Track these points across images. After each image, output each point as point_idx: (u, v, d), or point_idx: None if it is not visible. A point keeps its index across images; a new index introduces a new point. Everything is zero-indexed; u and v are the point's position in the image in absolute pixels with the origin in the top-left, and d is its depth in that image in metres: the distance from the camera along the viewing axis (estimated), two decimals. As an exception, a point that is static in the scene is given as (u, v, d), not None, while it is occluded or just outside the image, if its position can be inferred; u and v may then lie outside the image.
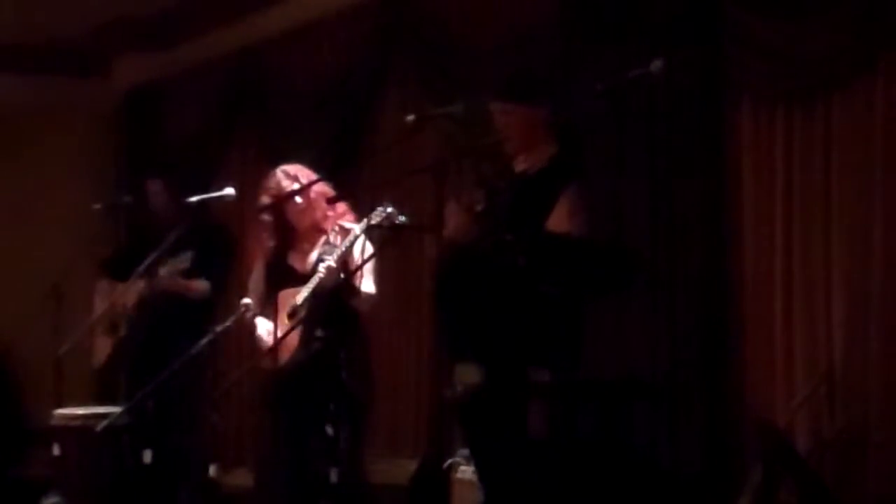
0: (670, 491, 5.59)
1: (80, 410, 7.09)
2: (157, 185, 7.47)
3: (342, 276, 5.95)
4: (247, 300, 6.21)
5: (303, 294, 6.00)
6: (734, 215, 6.02)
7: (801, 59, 5.62)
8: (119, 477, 6.87)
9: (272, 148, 8.54)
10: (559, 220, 5.04)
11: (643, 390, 5.72)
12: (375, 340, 7.26)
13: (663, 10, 6.16)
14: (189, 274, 7.08)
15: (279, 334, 5.94)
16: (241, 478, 7.87)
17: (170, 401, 6.89)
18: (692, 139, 6.09)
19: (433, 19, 7.55)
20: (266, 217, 6.30)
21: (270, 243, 6.31)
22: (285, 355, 6.01)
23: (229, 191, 6.99)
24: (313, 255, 6.16)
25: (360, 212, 6.27)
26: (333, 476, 5.93)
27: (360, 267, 5.95)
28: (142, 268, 6.88)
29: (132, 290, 7.17)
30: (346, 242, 5.93)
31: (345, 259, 5.98)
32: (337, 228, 6.09)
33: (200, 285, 7.08)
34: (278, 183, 6.24)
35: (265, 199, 6.30)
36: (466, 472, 5.86)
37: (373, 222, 5.82)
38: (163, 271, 6.97)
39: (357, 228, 5.91)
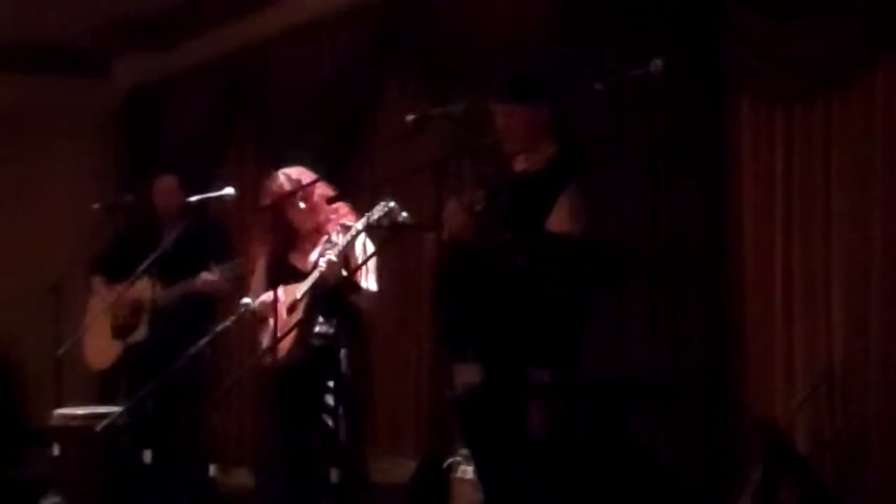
0: (670, 491, 5.58)
1: (80, 410, 7.08)
2: (169, 181, 7.44)
3: (343, 271, 5.95)
4: (246, 300, 6.21)
5: (302, 288, 6.01)
6: (734, 215, 6.02)
7: (800, 59, 5.62)
8: (119, 477, 6.87)
9: (272, 148, 8.55)
10: (559, 219, 5.03)
11: (643, 390, 5.71)
12: (375, 339, 7.27)
13: (663, 10, 6.16)
14: (183, 274, 7.08)
15: (279, 329, 5.93)
16: (241, 478, 7.87)
17: (170, 401, 6.89)
18: (692, 138, 6.10)
19: (433, 19, 7.56)
20: (267, 217, 6.30)
21: (272, 243, 6.31)
22: (284, 350, 6.01)
23: (229, 190, 7.00)
24: (315, 254, 6.17)
25: (361, 212, 6.28)
26: (333, 476, 5.93)
27: (363, 264, 5.95)
28: (143, 267, 6.86)
29: (142, 291, 7.12)
30: (348, 237, 5.93)
31: (346, 254, 5.98)
32: (339, 227, 6.09)
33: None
34: (280, 186, 6.24)
35: (266, 201, 6.30)
36: (466, 471, 5.86)
37: (374, 217, 5.82)
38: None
39: (359, 224, 5.92)
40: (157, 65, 9.93)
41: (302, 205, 6.19)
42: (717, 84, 6.04)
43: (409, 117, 5.64)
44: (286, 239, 6.26)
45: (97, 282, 7.50)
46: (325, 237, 6.15)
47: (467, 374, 5.16)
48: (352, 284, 6.02)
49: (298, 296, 6.01)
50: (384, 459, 7.40)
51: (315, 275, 5.96)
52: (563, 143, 5.26)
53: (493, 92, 5.32)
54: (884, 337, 5.37)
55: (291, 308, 6.05)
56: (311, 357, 6.03)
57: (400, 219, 5.82)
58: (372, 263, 6.07)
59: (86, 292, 7.57)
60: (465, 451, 5.79)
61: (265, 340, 6.10)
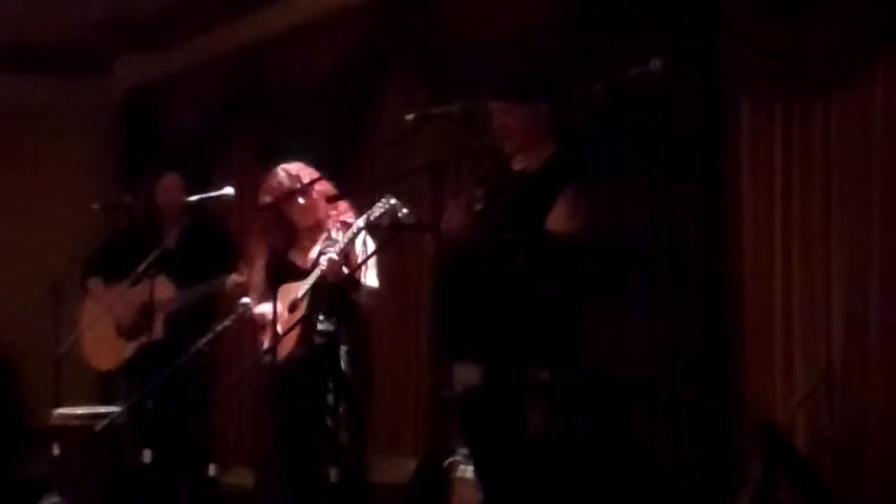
0: (670, 490, 5.58)
1: (80, 410, 7.08)
2: (173, 179, 7.43)
3: (344, 269, 5.94)
4: (246, 299, 6.21)
5: (303, 287, 6.00)
6: (733, 214, 6.02)
7: (800, 58, 5.62)
8: (119, 477, 6.87)
9: (272, 147, 8.53)
10: (557, 219, 5.03)
11: (643, 390, 5.71)
12: (376, 339, 7.28)
13: (663, 10, 6.16)
14: (190, 273, 7.07)
15: (279, 328, 5.93)
16: (241, 477, 7.88)
17: (170, 401, 6.89)
18: (691, 138, 6.09)
19: (433, 19, 7.55)
20: (267, 215, 6.30)
21: (271, 241, 6.31)
22: (285, 349, 6.01)
23: (228, 190, 7.00)
24: (314, 252, 6.16)
25: (360, 211, 6.28)
26: (333, 476, 5.93)
27: (364, 262, 5.95)
28: (143, 267, 6.85)
29: (158, 291, 7.10)
30: (348, 235, 5.93)
31: (346, 252, 5.97)
32: (339, 225, 6.09)
33: None
34: (280, 182, 6.24)
35: (266, 198, 6.29)
36: (466, 471, 5.86)
37: (375, 215, 5.82)
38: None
39: (360, 221, 5.91)
40: (157, 65, 9.93)
41: (301, 200, 6.18)
42: (716, 84, 6.04)
43: (409, 117, 5.64)
44: (285, 236, 6.26)
45: (94, 283, 7.46)
46: (325, 235, 6.14)
47: (467, 374, 5.16)
48: (352, 281, 6.02)
49: (299, 295, 6.01)
50: (384, 459, 7.40)
51: (316, 273, 5.96)
52: (562, 143, 5.26)
53: (491, 91, 5.32)
54: (883, 337, 5.37)
55: (292, 307, 6.04)
56: (312, 356, 6.03)
57: (400, 215, 5.82)
58: (372, 259, 6.06)
59: (82, 294, 7.54)
60: (464, 451, 5.78)
61: (266, 342, 6.09)
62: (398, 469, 7.14)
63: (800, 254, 5.75)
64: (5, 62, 10.04)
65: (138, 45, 10.01)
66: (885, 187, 5.38)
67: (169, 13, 9.48)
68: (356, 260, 6.01)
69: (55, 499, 6.98)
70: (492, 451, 5.20)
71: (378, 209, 5.83)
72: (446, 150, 6.69)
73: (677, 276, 6.14)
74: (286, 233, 6.25)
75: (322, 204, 6.16)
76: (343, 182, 6.73)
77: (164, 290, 7.06)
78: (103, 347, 7.37)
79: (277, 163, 6.49)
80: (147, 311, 7.06)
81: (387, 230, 5.87)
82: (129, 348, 7.23)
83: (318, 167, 6.43)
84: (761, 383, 5.87)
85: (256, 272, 6.39)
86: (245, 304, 6.19)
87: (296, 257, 6.23)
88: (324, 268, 5.92)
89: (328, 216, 6.19)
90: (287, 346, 6.00)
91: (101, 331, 7.35)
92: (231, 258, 7.02)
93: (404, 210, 5.83)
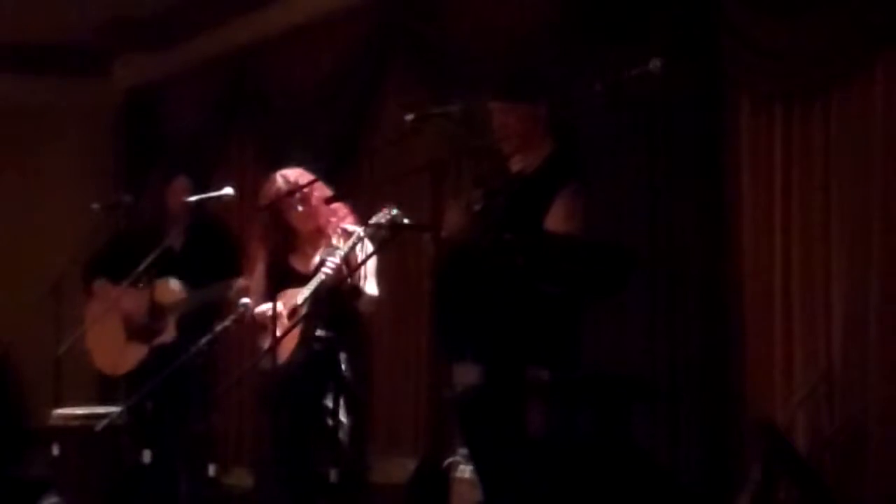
0: (670, 490, 5.58)
1: (80, 410, 7.08)
2: (183, 183, 7.42)
3: (347, 277, 5.94)
4: (245, 300, 6.21)
5: (304, 293, 6.00)
6: (733, 214, 6.01)
7: (799, 58, 5.62)
8: (118, 477, 6.87)
9: (271, 148, 8.55)
10: (556, 219, 5.04)
11: (642, 389, 5.71)
12: (376, 339, 7.28)
13: (663, 10, 6.15)
14: (197, 274, 7.05)
15: (279, 334, 5.93)
16: (241, 478, 7.88)
17: (171, 401, 6.89)
18: (691, 138, 6.09)
19: (433, 19, 7.55)
20: (265, 218, 6.29)
21: (271, 245, 6.30)
22: (285, 353, 6.01)
23: (228, 190, 7.00)
24: (316, 258, 6.16)
25: (360, 211, 6.28)
26: (333, 476, 5.93)
27: (360, 265, 5.94)
28: (144, 267, 6.84)
29: (163, 293, 7.08)
30: (350, 243, 5.92)
31: (348, 260, 5.97)
32: (339, 231, 6.08)
33: None
34: (278, 188, 6.23)
35: (264, 203, 6.29)
36: (466, 471, 5.86)
37: (379, 222, 5.80)
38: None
39: (361, 230, 5.90)
40: (157, 64, 9.94)
41: (300, 208, 6.18)
42: (716, 83, 6.03)
43: (408, 117, 5.64)
44: (285, 241, 6.25)
45: (100, 284, 7.44)
46: (326, 241, 6.12)
47: (466, 374, 5.16)
48: (353, 289, 6.01)
49: (299, 301, 6.00)
50: (384, 459, 7.40)
51: (317, 280, 5.95)
52: (561, 143, 5.26)
53: (490, 91, 5.32)
54: (883, 337, 5.36)
55: (292, 313, 6.04)
56: (312, 361, 6.03)
57: (401, 221, 5.81)
58: (372, 267, 6.06)
59: (82, 296, 7.53)
60: (464, 451, 5.78)
61: (266, 345, 6.09)
62: (398, 469, 7.13)
63: (800, 254, 5.74)
64: (5, 62, 10.04)
65: (138, 45, 10.01)
66: (885, 187, 5.38)
67: (169, 13, 9.48)
68: (357, 269, 5.99)
69: (55, 499, 6.99)
70: (492, 451, 5.21)
71: (380, 218, 5.80)
72: (446, 150, 6.69)
73: (677, 276, 6.14)
74: (286, 237, 6.25)
75: (323, 210, 6.15)
76: (341, 182, 6.73)
77: (175, 291, 7.05)
78: (115, 351, 7.34)
79: (277, 163, 6.49)
80: (156, 313, 7.06)
81: (387, 230, 5.87)
82: (143, 351, 7.19)
83: (316, 168, 6.43)
84: (761, 383, 5.87)
85: (257, 275, 6.39)
86: (245, 305, 6.19)
87: (297, 262, 6.22)
88: (325, 276, 5.90)
89: (329, 222, 6.18)
90: (287, 350, 6.00)
91: (110, 334, 7.33)
92: (236, 259, 7.01)
93: (405, 221, 5.82)
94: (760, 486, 5.29)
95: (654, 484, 5.43)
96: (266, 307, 6.03)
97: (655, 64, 4.86)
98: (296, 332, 6.00)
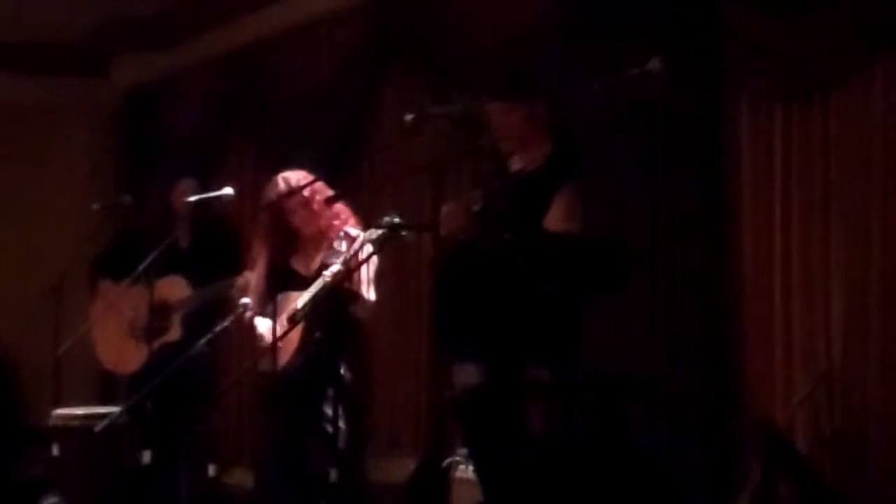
0: (669, 490, 5.58)
1: (80, 410, 7.08)
2: (190, 184, 7.42)
3: (347, 283, 5.93)
4: (246, 300, 6.21)
5: (304, 298, 5.99)
6: (733, 214, 6.01)
7: (799, 58, 5.62)
8: (118, 477, 6.87)
9: (271, 148, 8.55)
10: (556, 218, 5.04)
11: (642, 389, 5.72)
12: (375, 340, 7.27)
13: (663, 10, 6.16)
14: (204, 272, 7.04)
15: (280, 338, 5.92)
16: (241, 478, 7.87)
17: (171, 400, 6.89)
18: (690, 138, 6.09)
19: (432, 19, 7.55)
20: (266, 220, 6.29)
21: (270, 247, 6.29)
22: (284, 358, 6.01)
23: (228, 190, 7.00)
24: (317, 261, 6.15)
25: (360, 212, 6.27)
26: (333, 476, 5.93)
27: (357, 267, 5.93)
28: (144, 267, 6.83)
29: (169, 291, 7.07)
30: (351, 251, 5.89)
31: (349, 266, 5.95)
32: (342, 234, 6.07)
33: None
34: (280, 191, 6.23)
35: (266, 204, 6.28)
36: (466, 471, 5.86)
37: (378, 234, 5.78)
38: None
39: (363, 236, 5.87)
40: (157, 64, 9.93)
41: (302, 210, 6.16)
42: (716, 83, 6.03)
43: (408, 116, 5.64)
44: (286, 243, 6.25)
45: (105, 284, 7.43)
46: (329, 244, 6.10)
47: (466, 374, 5.16)
48: (351, 294, 6.00)
49: (299, 306, 5.99)
50: (384, 459, 7.40)
51: (317, 286, 5.94)
52: (560, 142, 5.26)
53: (488, 90, 5.32)
54: (883, 337, 5.37)
55: (291, 318, 6.03)
56: (311, 365, 6.03)
57: (403, 233, 5.79)
58: (371, 272, 6.05)
59: (88, 295, 7.52)
60: (464, 451, 5.78)
61: (265, 343, 6.09)
62: (398, 469, 7.13)
63: (800, 254, 5.74)
64: (5, 62, 10.03)
65: (138, 45, 10.01)
66: (884, 187, 5.38)
67: (169, 13, 9.48)
68: (358, 274, 5.98)
69: (55, 499, 6.98)
70: (492, 451, 5.20)
71: (383, 226, 5.78)
72: (446, 150, 6.69)
73: (677, 276, 6.14)
74: (288, 238, 6.24)
75: (325, 213, 6.14)
76: (341, 183, 6.73)
77: (180, 290, 7.05)
78: (121, 350, 7.33)
79: (277, 163, 6.49)
80: (161, 311, 7.05)
81: (387, 229, 5.86)
82: (145, 350, 7.19)
83: (316, 168, 6.43)
84: (761, 383, 5.87)
85: (257, 276, 6.38)
86: (245, 305, 6.19)
87: (297, 264, 6.22)
88: (326, 281, 5.89)
89: (331, 225, 6.17)
90: (286, 354, 6.00)
91: (117, 333, 7.33)
92: (242, 258, 7.01)
93: (405, 232, 5.80)
94: (760, 486, 5.29)
95: (654, 484, 5.43)
96: (263, 322, 6.03)
97: (655, 63, 4.86)
98: (295, 336, 5.99)
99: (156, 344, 7.04)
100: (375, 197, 7.61)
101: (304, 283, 6.06)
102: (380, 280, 6.18)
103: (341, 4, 8.21)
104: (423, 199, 7.25)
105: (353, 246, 5.86)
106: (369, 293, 6.09)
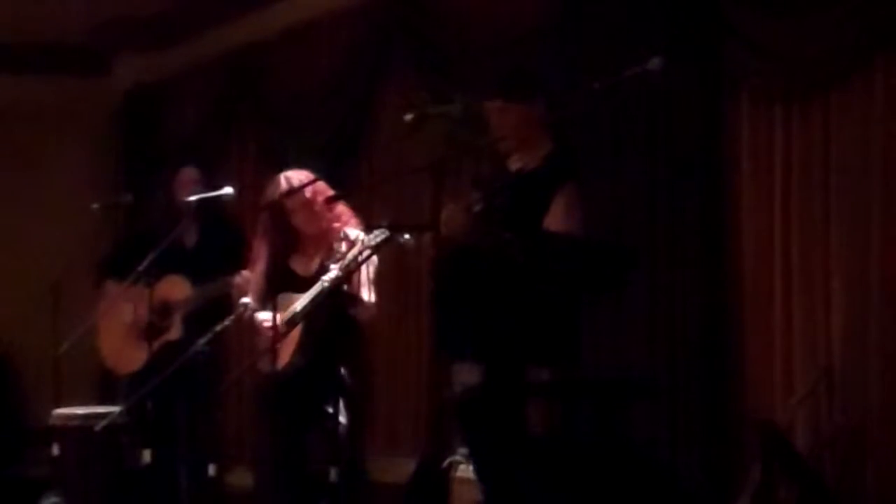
0: (670, 490, 5.58)
1: (80, 410, 7.08)
2: (191, 173, 7.40)
3: (346, 285, 5.92)
4: (245, 299, 6.20)
5: (301, 302, 5.98)
6: (733, 214, 6.01)
7: (799, 58, 5.62)
8: (118, 477, 6.87)
9: (271, 147, 8.55)
10: (556, 218, 5.04)
11: (642, 389, 5.71)
12: (375, 340, 7.27)
13: (663, 10, 6.15)
14: (209, 272, 7.03)
15: (276, 340, 5.91)
16: (241, 478, 7.86)
17: (173, 400, 6.89)
18: (690, 137, 6.09)
19: (432, 18, 7.55)
20: (266, 220, 6.29)
21: (270, 246, 6.29)
22: (284, 359, 6.00)
23: (228, 190, 6.99)
24: (316, 262, 6.15)
25: (359, 211, 6.27)
26: (333, 475, 5.93)
27: (356, 269, 5.93)
28: (146, 267, 6.82)
29: (170, 290, 7.06)
30: (351, 255, 5.87)
31: (348, 269, 5.94)
32: (342, 236, 6.06)
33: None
34: (281, 190, 6.22)
35: (266, 203, 6.28)
36: (466, 470, 5.86)
37: (378, 240, 5.77)
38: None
39: (361, 240, 5.85)
40: (157, 64, 9.93)
41: (303, 211, 6.16)
42: (716, 83, 6.03)
43: (408, 116, 5.64)
44: (286, 243, 6.24)
45: (111, 285, 7.42)
46: (329, 245, 6.09)
47: (466, 374, 5.16)
48: (350, 297, 5.99)
49: (298, 309, 5.99)
50: (384, 459, 7.40)
51: (316, 290, 5.93)
52: (560, 142, 5.25)
53: (488, 90, 5.32)
54: (883, 336, 5.37)
55: (289, 321, 6.01)
56: (311, 365, 6.02)
57: (401, 240, 5.78)
58: (371, 274, 6.04)
59: (93, 295, 7.51)
60: (464, 451, 5.78)
61: (265, 332, 6.08)
62: (398, 469, 7.13)
63: (800, 254, 5.74)
64: (5, 62, 10.03)
65: (138, 45, 10.01)
66: (884, 187, 5.38)
67: (169, 13, 9.48)
68: (357, 276, 5.97)
69: (55, 499, 6.98)
70: (491, 451, 5.20)
71: (379, 235, 5.77)
72: (446, 150, 6.69)
73: (677, 276, 6.14)
74: (286, 239, 6.23)
75: (325, 212, 6.14)
76: (341, 182, 6.72)
77: (181, 289, 7.05)
78: (123, 350, 7.32)
79: (277, 163, 6.48)
80: (162, 311, 7.04)
81: (387, 229, 5.86)
82: (146, 349, 7.18)
83: (316, 167, 6.43)
84: (761, 383, 5.87)
85: (256, 276, 6.38)
86: (245, 304, 6.19)
87: (296, 265, 6.21)
88: (325, 286, 5.88)
89: (331, 226, 6.16)
90: (286, 355, 5.99)
91: (121, 333, 7.32)
92: (247, 257, 7.00)
93: (405, 236, 5.80)
94: (760, 486, 5.29)
95: (655, 484, 5.43)
96: (265, 315, 6.02)
97: (655, 62, 4.86)
98: (295, 337, 5.99)
99: (156, 343, 7.03)
100: (375, 197, 7.61)
101: (302, 284, 6.06)
102: (380, 281, 6.18)
103: (341, 4, 8.21)
104: (423, 199, 7.25)
105: (352, 251, 5.84)
106: (369, 294, 6.08)
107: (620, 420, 5.32)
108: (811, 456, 5.51)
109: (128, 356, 7.29)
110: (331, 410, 5.99)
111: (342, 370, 6.01)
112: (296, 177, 6.26)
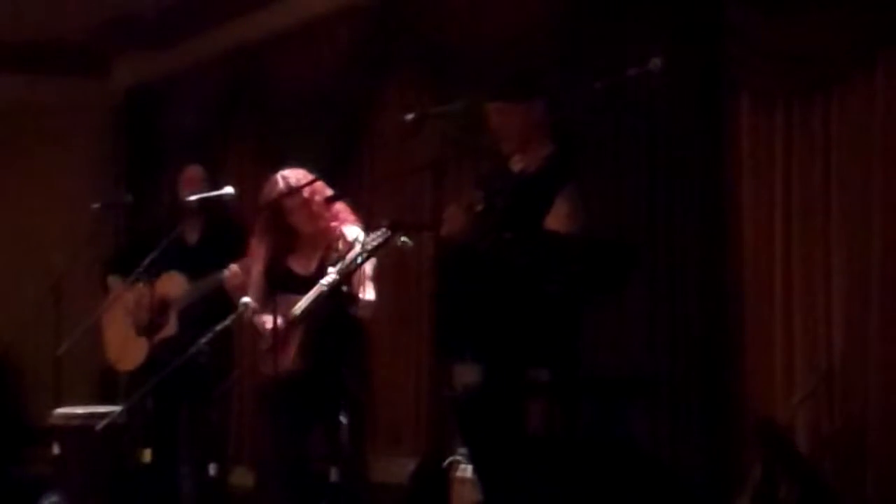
0: (670, 489, 5.58)
1: (80, 409, 7.08)
2: (196, 171, 7.40)
3: (345, 285, 5.92)
4: (246, 299, 6.20)
5: (301, 304, 5.97)
6: (733, 213, 6.02)
7: (799, 57, 5.62)
8: (119, 476, 6.87)
9: (271, 147, 8.55)
10: (557, 219, 5.04)
11: (643, 389, 5.72)
12: (375, 341, 7.27)
13: (663, 10, 6.16)
14: (211, 269, 7.03)
15: (276, 342, 5.91)
16: (241, 477, 7.87)
17: (170, 400, 6.89)
18: (691, 137, 6.10)
19: (433, 19, 7.55)
20: (264, 219, 6.28)
21: (269, 246, 6.28)
22: (285, 361, 5.99)
23: (228, 190, 6.99)
24: (315, 261, 6.14)
25: (359, 211, 6.27)
26: (333, 475, 5.93)
27: (356, 268, 5.92)
28: (147, 265, 6.82)
29: (169, 287, 7.07)
30: (350, 257, 5.86)
31: (348, 272, 5.93)
32: (341, 235, 6.05)
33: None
34: (279, 190, 6.22)
35: (264, 202, 6.27)
36: (466, 470, 5.86)
37: (377, 242, 5.76)
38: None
39: (360, 241, 5.84)
40: (157, 64, 9.94)
41: (302, 210, 6.15)
42: (716, 82, 6.04)
43: (408, 116, 5.63)
44: (285, 242, 6.23)
45: (114, 282, 7.42)
46: (327, 245, 6.08)
47: (466, 374, 5.15)
48: (349, 297, 5.99)
49: (297, 312, 5.98)
50: (384, 459, 7.40)
51: (315, 291, 5.92)
52: (560, 143, 5.25)
53: (488, 90, 5.32)
54: (884, 336, 5.37)
55: (290, 322, 6.01)
56: (313, 368, 6.02)
57: (399, 243, 5.77)
58: (370, 272, 6.04)
59: (97, 294, 7.51)
60: (464, 451, 5.78)
61: (266, 331, 6.08)
62: (398, 469, 7.13)
63: (800, 254, 5.75)
64: (5, 62, 10.04)
65: (138, 45, 10.02)
66: (885, 186, 5.39)
67: (169, 13, 9.49)
68: (357, 277, 5.96)
69: (55, 498, 6.98)
70: (491, 451, 5.20)
71: (379, 236, 5.76)
72: (446, 150, 6.69)
73: (677, 276, 6.14)
74: (285, 238, 6.23)
75: (325, 213, 6.13)
76: (341, 182, 6.72)
77: (179, 286, 7.04)
78: (126, 347, 7.32)
79: (277, 162, 6.47)
80: (161, 307, 7.04)
81: (387, 229, 5.85)
82: (147, 346, 7.19)
83: (316, 167, 6.42)
84: (761, 383, 5.87)
85: (255, 276, 6.37)
86: (245, 304, 6.18)
87: (295, 264, 6.19)
88: (324, 289, 5.87)
89: (329, 226, 6.15)
90: (287, 357, 5.99)
91: (123, 331, 7.33)
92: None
93: (403, 239, 5.80)
94: (760, 486, 5.29)
95: (655, 483, 5.43)
96: (265, 317, 6.03)
97: (655, 63, 4.86)
98: (296, 339, 5.99)
99: (154, 340, 7.04)
100: (375, 197, 7.61)
101: (301, 284, 6.04)
102: (380, 279, 6.17)
103: (342, 4, 8.21)
104: (423, 199, 7.25)
105: (352, 253, 5.83)
106: (369, 292, 6.07)
107: (621, 419, 5.32)
108: (811, 456, 5.51)
109: (130, 352, 7.30)
110: (331, 410, 5.99)
111: (343, 370, 6.01)
112: (292, 175, 6.24)
